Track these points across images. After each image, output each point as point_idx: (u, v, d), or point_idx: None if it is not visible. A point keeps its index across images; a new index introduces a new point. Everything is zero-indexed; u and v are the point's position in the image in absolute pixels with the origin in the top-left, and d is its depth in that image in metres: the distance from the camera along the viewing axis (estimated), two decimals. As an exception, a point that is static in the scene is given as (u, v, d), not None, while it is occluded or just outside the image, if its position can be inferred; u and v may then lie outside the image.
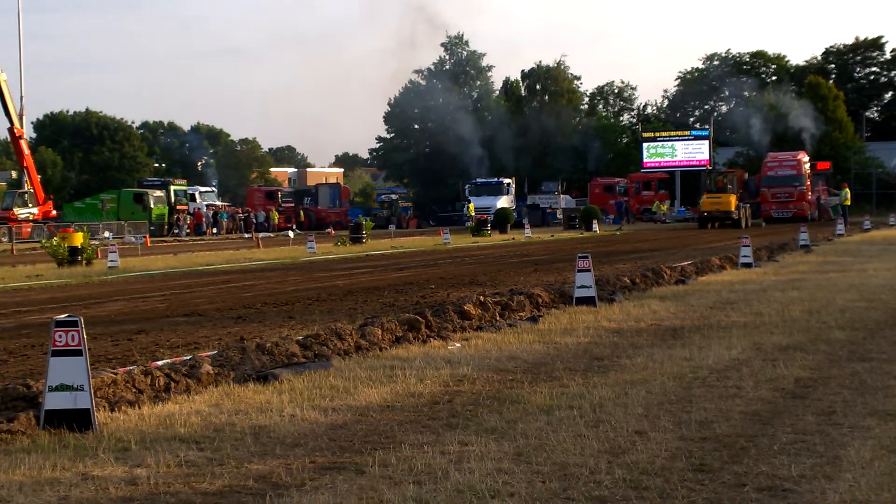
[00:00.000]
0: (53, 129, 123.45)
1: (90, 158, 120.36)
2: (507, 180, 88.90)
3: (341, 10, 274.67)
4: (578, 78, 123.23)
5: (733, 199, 65.41)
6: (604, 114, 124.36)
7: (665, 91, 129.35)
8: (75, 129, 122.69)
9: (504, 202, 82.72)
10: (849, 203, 64.88)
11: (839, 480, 6.99)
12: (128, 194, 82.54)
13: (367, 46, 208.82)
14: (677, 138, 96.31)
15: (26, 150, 75.75)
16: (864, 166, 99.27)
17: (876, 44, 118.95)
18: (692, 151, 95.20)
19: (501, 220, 70.09)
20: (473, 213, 73.63)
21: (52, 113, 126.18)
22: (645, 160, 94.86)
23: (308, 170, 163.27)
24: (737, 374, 10.89)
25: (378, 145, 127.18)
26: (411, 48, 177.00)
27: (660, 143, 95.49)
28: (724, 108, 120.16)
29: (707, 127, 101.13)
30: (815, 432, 8.31)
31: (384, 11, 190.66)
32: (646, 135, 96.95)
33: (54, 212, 77.28)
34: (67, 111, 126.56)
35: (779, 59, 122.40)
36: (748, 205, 69.49)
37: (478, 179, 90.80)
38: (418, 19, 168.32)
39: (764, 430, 8.41)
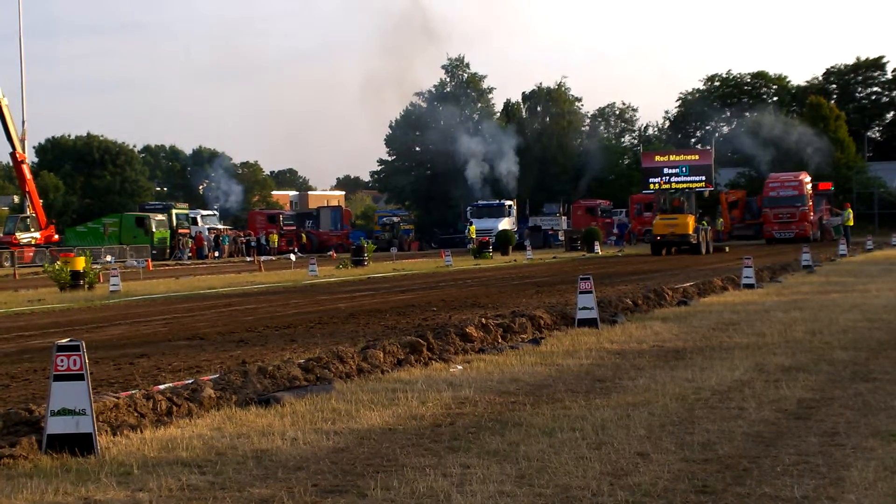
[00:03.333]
0: (55, 153, 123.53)
1: (92, 182, 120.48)
2: (508, 202, 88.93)
3: (344, 31, 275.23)
4: (579, 99, 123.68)
5: (691, 221, 57.45)
6: (605, 135, 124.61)
7: (666, 112, 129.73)
8: (77, 153, 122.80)
9: (505, 224, 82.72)
10: (851, 223, 64.72)
11: (842, 502, 6.97)
12: (129, 218, 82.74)
13: (369, 68, 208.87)
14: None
15: (28, 175, 75.88)
16: (865, 186, 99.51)
17: (877, 64, 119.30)
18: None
19: (503, 242, 70.14)
20: (475, 236, 73.62)
21: (53, 137, 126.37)
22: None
23: (309, 193, 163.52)
24: (739, 396, 10.87)
25: (379, 168, 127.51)
26: (411, 68, 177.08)
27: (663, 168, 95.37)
28: (725, 129, 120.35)
29: (709, 147, 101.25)
30: (818, 453, 8.30)
31: (385, 31, 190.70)
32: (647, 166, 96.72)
33: (56, 236, 77.37)
34: (69, 135, 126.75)
35: (780, 80, 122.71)
36: (708, 227, 63.11)
37: (479, 202, 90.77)
38: (419, 39, 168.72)
39: (767, 452, 8.40)
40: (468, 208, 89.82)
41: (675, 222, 57.30)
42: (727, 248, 61.99)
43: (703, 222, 60.78)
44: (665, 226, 57.63)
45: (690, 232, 56.70)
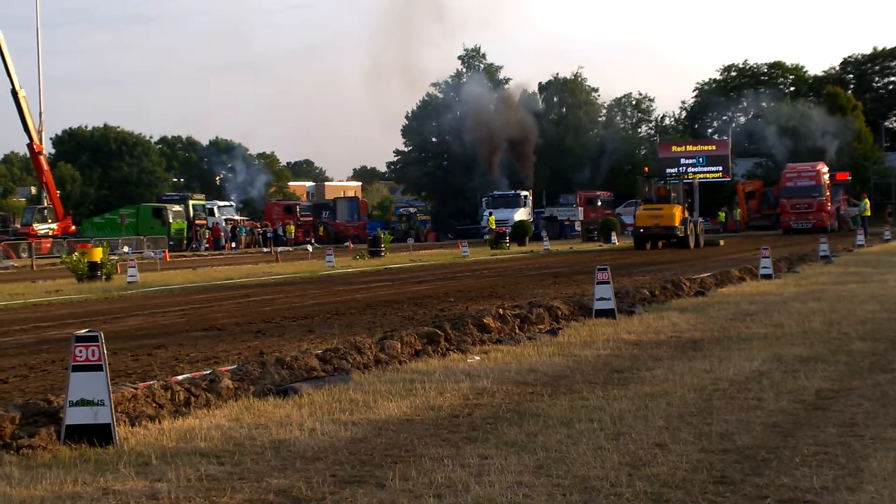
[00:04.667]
0: (72, 144, 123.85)
1: (109, 174, 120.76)
2: (524, 193, 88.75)
3: (357, 22, 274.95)
4: (596, 90, 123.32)
5: (678, 212, 51.41)
6: (621, 125, 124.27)
7: (683, 102, 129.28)
8: (94, 144, 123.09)
9: (521, 214, 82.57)
10: (868, 213, 64.47)
11: (861, 492, 6.96)
12: (147, 209, 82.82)
13: (377, 54, 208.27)
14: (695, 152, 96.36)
15: (45, 166, 76.17)
16: (883, 176, 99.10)
17: (894, 53, 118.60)
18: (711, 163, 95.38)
19: (520, 233, 70.00)
20: (494, 226, 73.19)
21: (70, 128, 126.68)
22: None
23: (326, 183, 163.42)
24: (757, 386, 10.85)
25: (396, 159, 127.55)
26: (419, 55, 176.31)
27: (680, 158, 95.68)
28: (742, 119, 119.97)
29: (726, 138, 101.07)
30: (836, 444, 8.28)
31: (393, 15, 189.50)
32: (664, 156, 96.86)
33: (73, 227, 77.54)
34: (86, 126, 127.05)
35: (797, 70, 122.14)
36: (699, 219, 57.76)
37: (495, 192, 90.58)
38: (428, 24, 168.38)
39: (785, 442, 8.38)
40: (483, 199, 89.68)
41: (659, 213, 51.59)
42: (721, 242, 57.07)
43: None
44: (648, 217, 51.99)
45: (677, 224, 51.02)
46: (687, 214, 52.31)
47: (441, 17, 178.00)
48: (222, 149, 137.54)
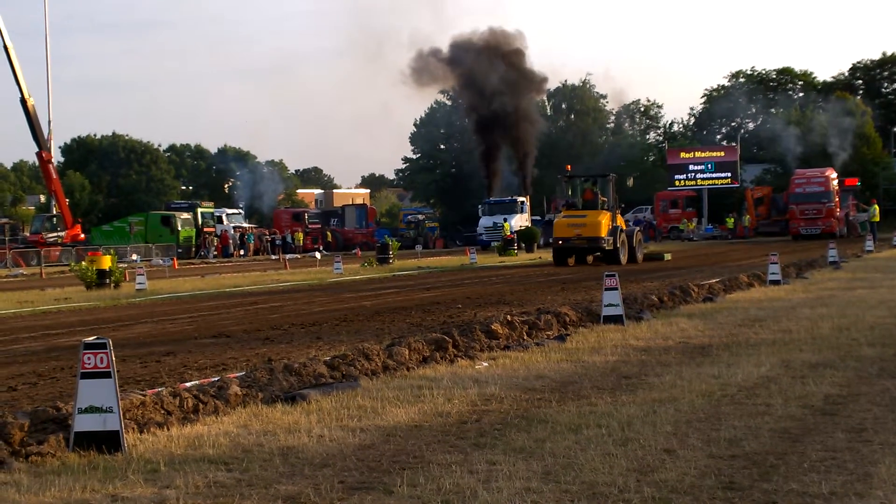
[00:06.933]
0: (81, 152, 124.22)
1: (117, 182, 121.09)
2: (520, 198, 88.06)
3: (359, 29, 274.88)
4: (604, 96, 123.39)
5: (604, 220, 41.54)
6: (630, 132, 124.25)
7: (691, 109, 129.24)
8: (103, 152, 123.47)
9: (519, 220, 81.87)
10: (878, 219, 64.35)
11: (870, 498, 6.94)
12: (155, 217, 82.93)
13: (389, 65, 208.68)
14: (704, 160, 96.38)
15: (54, 174, 76.46)
16: (892, 182, 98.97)
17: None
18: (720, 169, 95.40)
19: (528, 239, 69.61)
20: (509, 232, 71.94)
21: (79, 137, 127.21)
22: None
23: (335, 191, 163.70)
24: (766, 392, 10.82)
25: (404, 166, 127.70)
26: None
27: (689, 164, 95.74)
28: (751, 125, 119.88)
29: (734, 144, 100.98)
30: (845, 449, 8.26)
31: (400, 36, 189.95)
32: (672, 163, 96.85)
33: (82, 235, 77.71)
34: (95, 135, 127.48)
35: (806, 76, 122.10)
36: (635, 228, 47.50)
37: (491, 198, 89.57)
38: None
39: (794, 448, 8.36)
40: (480, 206, 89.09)
41: (581, 221, 41.92)
42: (668, 256, 47.51)
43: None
44: (568, 227, 42.20)
45: (603, 235, 41.28)
46: (620, 222, 43.20)
47: (439, 21, 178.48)
48: (231, 156, 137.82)
